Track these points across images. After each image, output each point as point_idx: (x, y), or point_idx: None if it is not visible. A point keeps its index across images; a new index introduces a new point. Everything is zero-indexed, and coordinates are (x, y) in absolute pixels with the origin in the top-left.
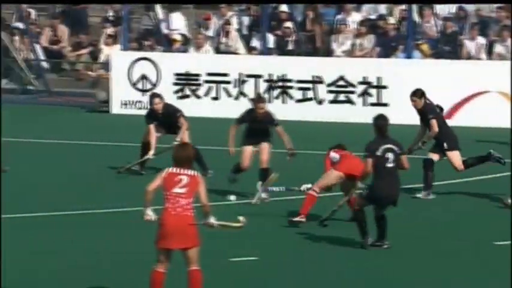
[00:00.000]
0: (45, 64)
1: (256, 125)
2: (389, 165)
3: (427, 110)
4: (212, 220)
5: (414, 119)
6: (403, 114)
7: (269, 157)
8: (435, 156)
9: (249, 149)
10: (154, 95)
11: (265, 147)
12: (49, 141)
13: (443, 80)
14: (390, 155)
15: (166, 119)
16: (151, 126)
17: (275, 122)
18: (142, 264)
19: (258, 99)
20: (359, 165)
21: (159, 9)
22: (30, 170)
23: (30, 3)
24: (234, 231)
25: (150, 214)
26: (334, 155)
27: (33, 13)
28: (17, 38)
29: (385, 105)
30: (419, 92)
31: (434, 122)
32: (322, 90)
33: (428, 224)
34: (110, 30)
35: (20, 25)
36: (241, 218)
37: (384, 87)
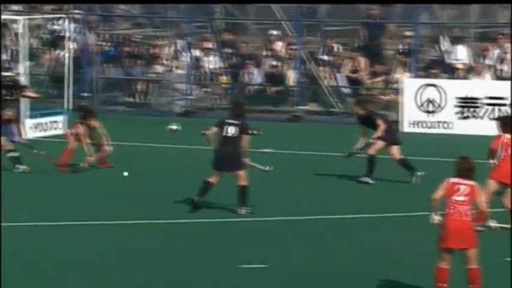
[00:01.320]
0: (346, 90)
1: None
2: None
3: None
4: (492, 223)
5: None
6: None
7: None
8: None
9: None
10: (354, 102)
11: None
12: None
13: None
14: None
15: (368, 122)
16: (362, 127)
17: None
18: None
19: None
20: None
21: (445, 41)
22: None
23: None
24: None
25: (436, 218)
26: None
27: (337, 47)
28: (323, 68)
29: None
30: None
31: None
32: None
33: None
34: (402, 61)
35: (326, 57)
36: None
37: None
